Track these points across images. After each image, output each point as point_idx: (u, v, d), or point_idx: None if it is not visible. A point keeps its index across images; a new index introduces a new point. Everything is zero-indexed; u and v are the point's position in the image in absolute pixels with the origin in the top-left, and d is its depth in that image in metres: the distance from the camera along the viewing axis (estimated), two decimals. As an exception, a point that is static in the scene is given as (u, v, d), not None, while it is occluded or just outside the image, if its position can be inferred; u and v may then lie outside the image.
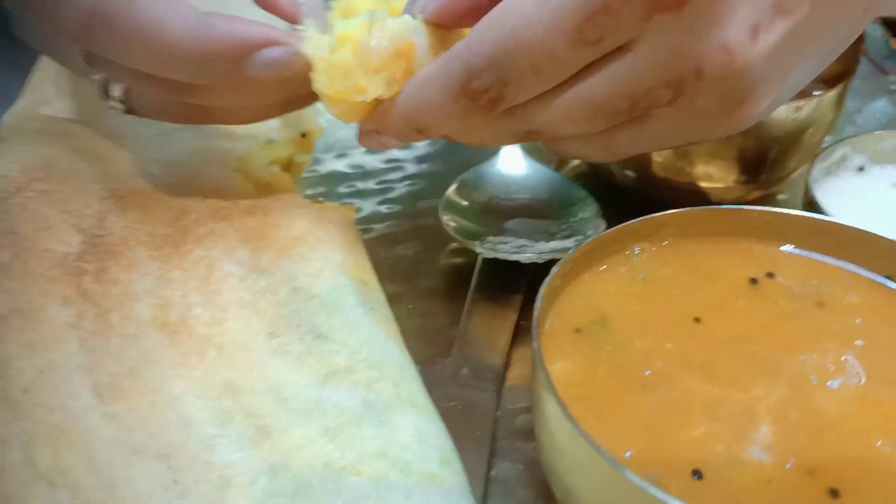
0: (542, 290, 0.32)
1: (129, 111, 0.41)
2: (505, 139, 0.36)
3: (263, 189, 0.46)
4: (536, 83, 0.32)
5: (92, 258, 0.36)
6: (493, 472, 0.37)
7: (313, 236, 0.41)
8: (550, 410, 0.28)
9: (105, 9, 0.34)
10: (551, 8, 0.30)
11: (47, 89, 0.48)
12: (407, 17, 0.35)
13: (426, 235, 0.51)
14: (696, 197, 0.49)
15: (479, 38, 0.32)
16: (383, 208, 0.54)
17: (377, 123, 0.37)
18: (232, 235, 0.40)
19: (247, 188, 0.45)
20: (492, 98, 0.33)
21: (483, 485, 0.36)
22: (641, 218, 0.36)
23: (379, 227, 0.52)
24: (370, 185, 0.56)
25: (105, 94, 0.40)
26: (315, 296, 0.38)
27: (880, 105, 0.58)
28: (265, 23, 0.37)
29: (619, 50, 0.31)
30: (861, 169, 0.46)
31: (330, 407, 0.33)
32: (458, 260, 0.49)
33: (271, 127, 0.50)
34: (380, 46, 0.34)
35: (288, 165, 0.50)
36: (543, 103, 0.34)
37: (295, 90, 0.38)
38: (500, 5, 0.32)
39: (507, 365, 0.42)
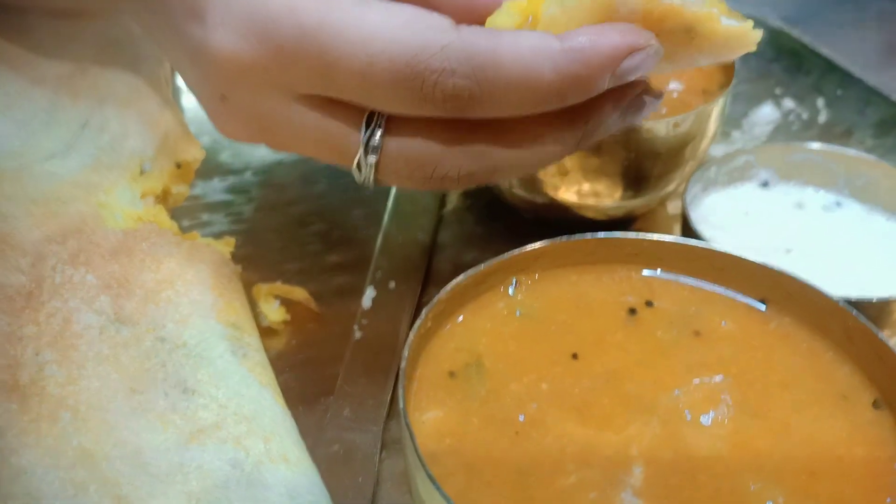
0: (412, 336, 0.31)
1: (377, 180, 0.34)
2: None
3: (132, 225, 0.44)
4: None
5: (-70, 321, 0.33)
6: (374, 521, 0.36)
7: (182, 278, 0.39)
8: (417, 478, 0.27)
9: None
10: None
11: None
12: None
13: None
14: (583, 215, 0.49)
15: None
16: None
17: None
18: (92, 283, 0.37)
19: (114, 225, 0.42)
20: None
21: (364, 536, 0.35)
22: (517, 250, 0.35)
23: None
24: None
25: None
26: (182, 345, 0.36)
27: (765, 111, 0.58)
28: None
29: None
30: (765, 184, 0.46)
31: (193, 469, 0.31)
32: (343, 284, 0.47)
33: (144, 156, 0.47)
34: None
35: (164, 197, 0.48)
36: None
37: None
38: None
39: (392, 399, 0.41)
